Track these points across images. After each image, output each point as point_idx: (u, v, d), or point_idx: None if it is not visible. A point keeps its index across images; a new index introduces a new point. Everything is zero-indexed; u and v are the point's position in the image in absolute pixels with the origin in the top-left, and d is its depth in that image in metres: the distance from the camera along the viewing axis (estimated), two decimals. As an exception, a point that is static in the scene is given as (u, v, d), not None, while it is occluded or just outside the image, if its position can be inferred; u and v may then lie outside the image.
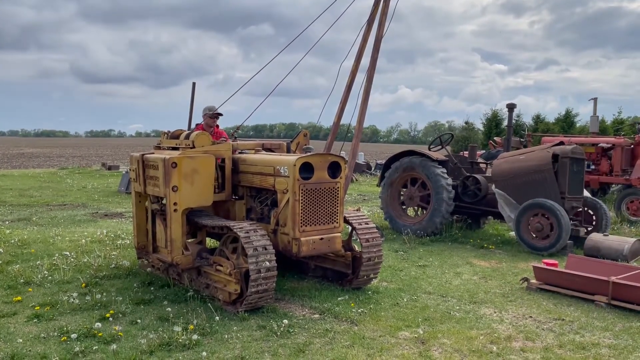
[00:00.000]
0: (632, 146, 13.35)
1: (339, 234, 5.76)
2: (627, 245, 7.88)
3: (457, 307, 5.73)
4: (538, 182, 8.80)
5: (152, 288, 6.12)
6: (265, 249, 5.15)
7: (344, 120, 9.62)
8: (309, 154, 5.89)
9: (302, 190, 5.40)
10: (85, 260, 7.26)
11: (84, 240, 8.68)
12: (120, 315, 5.23)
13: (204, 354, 4.30)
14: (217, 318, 5.11)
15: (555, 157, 8.80)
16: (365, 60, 9.50)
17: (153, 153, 6.19)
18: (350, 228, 6.27)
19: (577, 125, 33.30)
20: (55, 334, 4.74)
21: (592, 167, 13.56)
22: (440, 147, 10.78)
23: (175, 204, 5.63)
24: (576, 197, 8.86)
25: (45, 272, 6.66)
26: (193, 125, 7.29)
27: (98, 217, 12.03)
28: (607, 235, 8.38)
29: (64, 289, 6.09)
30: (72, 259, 7.36)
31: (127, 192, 17.27)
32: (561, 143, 9.61)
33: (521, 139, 16.42)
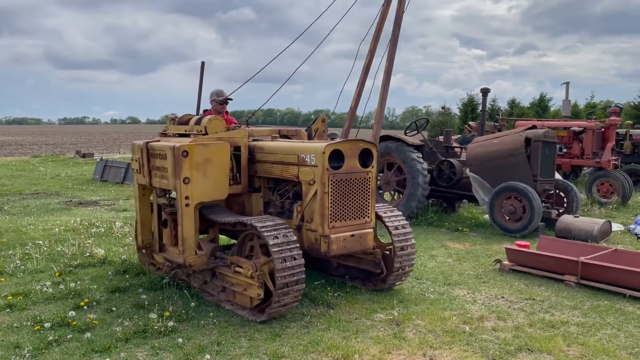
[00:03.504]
0: (603, 130, 13.61)
1: (371, 230, 5.19)
2: (596, 226, 8.07)
3: (432, 289, 5.82)
4: (511, 165, 8.94)
5: (127, 276, 6.09)
6: (293, 249, 4.63)
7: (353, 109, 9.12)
8: (337, 140, 5.24)
9: (331, 181, 4.82)
10: (59, 249, 7.17)
11: (57, 229, 8.57)
12: (95, 304, 5.20)
13: (180, 340, 4.31)
14: (193, 304, 5.11)
15: (527, 140, 8.94)
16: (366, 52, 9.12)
17: (159, 141, 5.53)
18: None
19: (552, 109, 33.87)
20: (29, 323, 4.69)
21: (564, 150, 13.80)
22: (416, 132, 10.86)
23: (186, 198, 4.98)
24: (548, 179, 9.04)
25: (18, 261, 6.57)
26: (201, 111, 6.66)
27: (72, 206, 11.86)
28: (577, 217, 8.58)
29: (37, 278, 6.01)
30: (45, 248, 7.26)
31: (101, 180, 17.06)
32: (534, 127, 9.77)
33: (495, 123, 16.60)
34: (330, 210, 4.83)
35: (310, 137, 6.22)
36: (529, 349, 4.27)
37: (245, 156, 5.50)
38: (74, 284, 5.67)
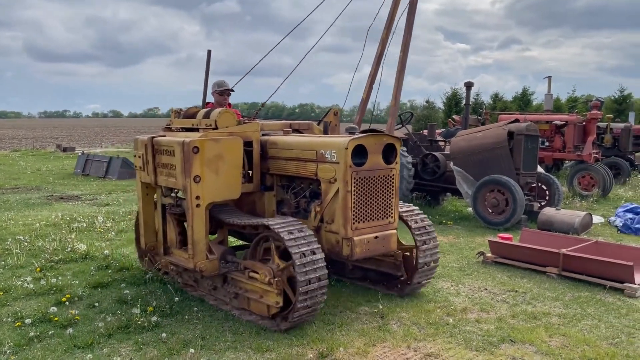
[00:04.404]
0: (584, 123, 13.78)
1: (395, 231, 4.86)
2: (577, 218, 8.18)
3: (416, 282, 5.85)
4: (494, 158, 9.01)
5: (109, 271, 6.02)
6: (314, 252, 4.31)
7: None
8: (359, 135, 4.81)
9: (354, 179, 4.48)
10: (40, 244, 7.07)
11: (38, 224, 8.45)
12: (77, 299, 5.13)
13: (164, 335, 4.27)
14: (177, 299, 5.08)
15: (510, 134, 9.01)
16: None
17: (165, 136, 5.17)
18: None
19: (534, 103, 34.21)
20: (9, 319, 4.62)
21: (546, 143, 13.95)
22: (400, 125, 10.88)
23: (197, 197, 4.61)
24: (530, 172, 9.13)
25: (-2, 257, 6.47)
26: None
27: (53, 200, 11.69)
28: (559, 209, 8.68)
29: (18, 273, 5.92)
30: (26, 243, 7.16)
31: (83, 174, 16.86)
32: (516, 120, 9.86)
33: (479, 117, 16.72)
34: (353, 211, 4.50)
35: (326, 132, 5.86)
36: (511, 340, 4.31)
37: (258, 152, 5.14)
38: (55, 279, 5.60)
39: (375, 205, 4.67)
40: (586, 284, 5.74)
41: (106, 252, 6.72)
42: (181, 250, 5.14)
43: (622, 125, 16.41)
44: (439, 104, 36.94)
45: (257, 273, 4.53)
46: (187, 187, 4.62)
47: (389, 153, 4.77)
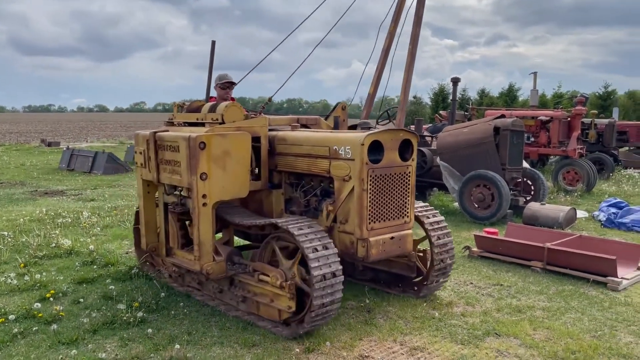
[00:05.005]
0: (569, 119, 13.91)
1: (411, 231, 4.66)
2: (562, 213, 8.27)
3: (402, 276, 5.87)
4: (480, 154, 9.06)
5: (94, 267, 5.97)
6: (326, 247, 4.14)
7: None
8: (374, 130, 4.63)
9: (370, 177, 4.29)
10: (24, 239, 6.99)
11: (22, 220, 8.35)
12: (61, 295, 5.09)
13: (150, 330, 4.25)
14: (163, 294, 5.05)
15: (496, 129, 9.07)
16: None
17: (167, 130, 4.92)
18: None
19: (520, 99, 34.50)
20: (-8, 316, 4.57)
21: (532, 139, 14.06)
22: (387, 121, 10.90)
23: (204, 196, 4.36)
24: (516, 168, 9.21)
25: (-20, 253, 6.39)
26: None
27: (37, 195, 11.56)
28: (544, 204, 8.77)
29: (1, 269, 5.86)
30: (9, 239, 7.08)
31: (68, 169, 16.69)
32: (502, 116, 9.92)
33: (465, 113, 16.80)
34: (369, 210, 4.29)
35: (336, 127, 5.65)
36: (496, 334, 4.36)
37: (266, 148, 4.93)
38: (39, 275, 5.54)
39: (391, 204, 4.48)
40: (570, 277, 5.81)
41: (91, 247, 6.66)
42: (184, 251, 4.94)
43: (606, 121, 16.59)
44: (426, 99, 37.12)
45: (268, 276, 4.32)
46: (193, 184, 4.38)
47: (404, 149, 4.57)
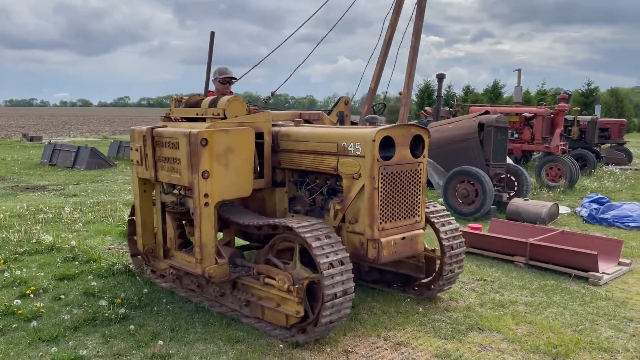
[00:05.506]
0: (552, 116, 14.04)
1: (422, 231, 4.50)
2: (545, 209, 8.35)
3: (387, 272, 5.88)
4: (464, 150, 9.12)
5: (76, 263, 5.90)
6: (342, 263, 3.91)
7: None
8: (385, 125, 4.39)
9: (381, 174, 4.10)
10: (4, 235, 6.88)
11: (2, 215, 8.22)
12: (42, 292, 5.02)
13: (132, 327, 4.21)
14: (146, 291, 5.01)
15: (481, 126, 9.13)
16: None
17: (166, 126, 4.65)
18: None
19: (504, 95, 34.81)
20: (-30, 313, 4.49)
21: (515, 135, 14.18)
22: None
23: (206, 195, 4.13)
24: (500, 164, 9.28)
25: (-41, 249, 6.28)
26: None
27: (18, 191, 11.40)
28: (527, 200, 8.85)
29: (-20, 266, 5.76)
30: (-12, 235, 6.96)
31: (50, 164, 16.47)
32: (487, 112, 9.98)
33: (450, 109, 16.89)
34: (380, 210, 4.12)
35: (342, 122, 5.43)
36: (479, 328, 4.38)
37: (269, 144, 4.67)
38: (19, 271, 5.45)
39: (403, 203, 4.30)
40: (552, 272, 5.86)
41: (73, 243, 6.57)
42: (184, 253, 4.70)
43: (588, 118, 16.80)
44: (412, 95, 37.23)
45: (274, 279, 4.10)
46: (195, 183, 4.14)
47: (415, 145, 4.39)
